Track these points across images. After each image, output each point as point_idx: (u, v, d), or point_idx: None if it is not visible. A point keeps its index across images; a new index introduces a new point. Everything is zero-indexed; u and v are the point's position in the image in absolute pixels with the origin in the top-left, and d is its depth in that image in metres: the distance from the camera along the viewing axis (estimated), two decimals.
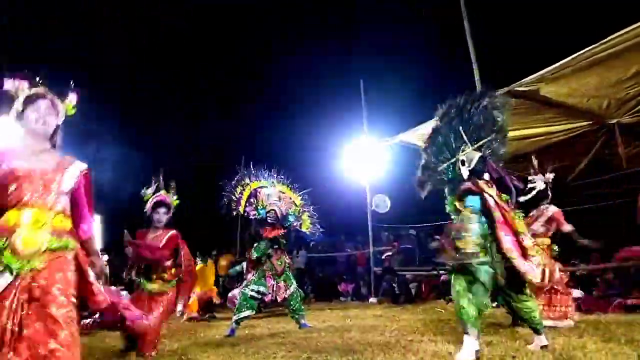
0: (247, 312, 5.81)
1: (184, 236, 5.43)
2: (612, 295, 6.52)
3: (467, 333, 3.39)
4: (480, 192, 3.63)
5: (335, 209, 11.74)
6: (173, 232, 4.61)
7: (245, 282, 6.02)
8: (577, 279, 8.07)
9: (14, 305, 2.06)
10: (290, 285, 6.12)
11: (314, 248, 13.93)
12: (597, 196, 8.35)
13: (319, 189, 6.92)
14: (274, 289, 6.00)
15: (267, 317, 7.94)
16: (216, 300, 9.23)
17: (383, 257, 11.60)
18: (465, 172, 3.83)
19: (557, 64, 6.13)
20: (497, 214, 3.55)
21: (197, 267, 8.60)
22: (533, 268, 3.43)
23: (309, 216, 6.76)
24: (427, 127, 8.79)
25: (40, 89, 2.42)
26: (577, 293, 7.44)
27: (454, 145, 4.04)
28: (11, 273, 2.10)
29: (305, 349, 4.21)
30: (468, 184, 3.73)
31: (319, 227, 6.78)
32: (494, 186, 3.73)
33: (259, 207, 6.33)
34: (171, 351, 4.51)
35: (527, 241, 3.54)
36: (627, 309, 6.23)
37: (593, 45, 5.69)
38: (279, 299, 6.10)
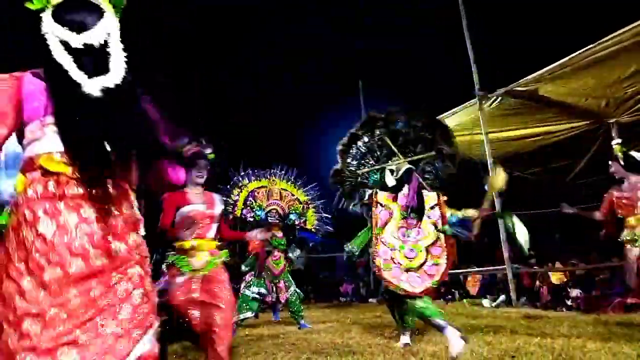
0: (247, 314, 5.81)
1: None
2: (612, 295, 6.51)
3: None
4: (370, 205, 4.12)
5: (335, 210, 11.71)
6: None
7: (244, 284, 6.01)
8: (577, 278, 8.08)
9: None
10: (290, 286, 6.12)
11: (314, 249, 13.89)
12: (596, 196, 8.37)
13: (319, 190, 6.85)
14: (274, 289, 6.00)
15: (267, 319, 7.93)
16: None
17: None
18: (390, 180, 4.14)
19: (556, 64, 6.15)
20: (377, 230, 4.00)
21: None
22: (400, 278, 3.81)
23: (315, 212, 6.68)
24: None
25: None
26: (575, 292, 7.47)
27: (378, 153, 4.53)
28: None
29: (305, 349, 4.21)
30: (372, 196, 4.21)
31: (326, 223, 6.69)
32: (397, 200, 4.06)
33: (256, 209, 6.30)
34: (171, 352, 4.51)
35: (398, 256, 3.89)
36: (626, 308, 6.23)
37: (591, 45, 5.70)
38: (281, 299, 6.10)
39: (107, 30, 1.54)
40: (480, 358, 3.37)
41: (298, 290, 6.36)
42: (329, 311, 8.06)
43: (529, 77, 6.53)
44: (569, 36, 7.57)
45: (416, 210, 3.95)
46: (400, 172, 4.10)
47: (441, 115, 8.36)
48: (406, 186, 4.03)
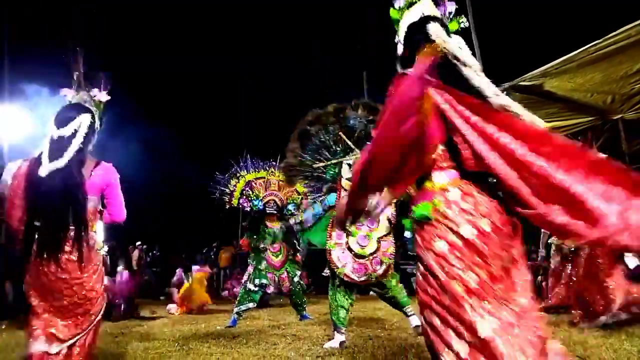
0: (249, 304, 5.83)
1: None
2: None
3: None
4: (337, 190, 4.30)
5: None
6: None
7: (246, 276, 6.02)
8: None
9: None
10: (294, 277, 6.12)
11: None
12: None
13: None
14: (276, 280, 6.01)
15: (268, 308, 7.96)
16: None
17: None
18: (347, 174, 4.28)
19: (562, 59, 6.08)
20: (333, 213, 4.13)
21: (185, 287, 8.46)
22: (344, 263, 4.07)
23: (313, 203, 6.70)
24: None
25: None
26: None
27: (334, 148, 4.66)
28: None
29: (306, 340, 4.23)
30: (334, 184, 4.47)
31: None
32: None
33: (253, 199, 6.30)
34: (173, 341, 4.54)
35: (354, 244, 4.10)
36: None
37: (599, 40, 5.64)
38: (284, 290, 6.12)
39: (77, 125, 2.44)
40: None
41: (302, 282, 6.38)
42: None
43: (535, 71, 6.47)
44: (576, 30, 7.51)
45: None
46: None
47: None
48: None
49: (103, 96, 2.70)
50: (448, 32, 1.79)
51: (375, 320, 5.65)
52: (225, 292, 10.71)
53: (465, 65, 1.66)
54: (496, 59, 8.96)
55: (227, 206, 6.38)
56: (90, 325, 2.40)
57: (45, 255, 2.32)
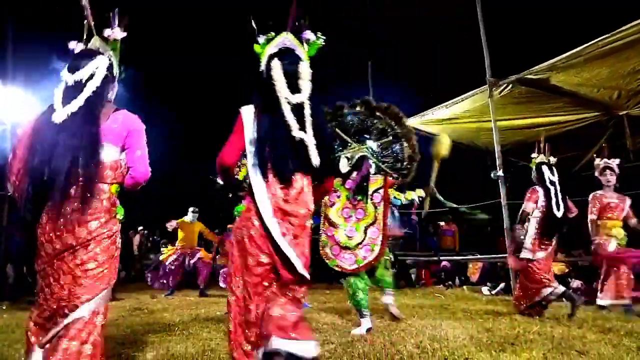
0: None
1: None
2: None
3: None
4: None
5: None
6: None
7: None
8: (579, 269, 8.08)
9: None
10: None
11: (314, 230, 13.95)
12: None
13: None
14: None
15: None
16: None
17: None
18: (344, 167, 4.46)
19: (569, 53, 6.03)
20: (328, 210, 4.34)
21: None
22: (336, 256, 4.24)
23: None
24: (434, 113, 8.78)
25: None
26: (577, 283, 7.47)
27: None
28: None
29: None
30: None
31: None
32: (345, 184, 4.42)
33: None
34: (173, 325, 4.56)
35: (341, 236, 4.25)
36: None
37: (607, 35, 5.59)
38: None
39: (95, 67, 2.21)
40: (479, 344, 3.38)
41: None
42: (329, 292, 8.11)
43: (542, 65, 6.42)
44: (584, 25, 7.43)
45: (360, 192, 4.35)
46: (355, 159, 4.48)
47: (449, 101, 8.29)
48: (354, 172, 4.42)
49: (118, 33, 2.39)
50: (297, 61, 2.24)
51: (374, 309, 5.67)
52: (221, 281, 10.74)
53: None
54: (503, 52, 8.89)
55: (230, 194, 6.38)
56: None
57: (51, 212, 2.09)
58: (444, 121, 8.99)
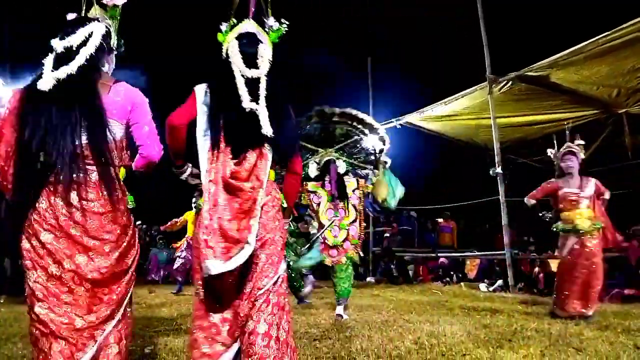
0: None
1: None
2: (610, 286, 6.54)
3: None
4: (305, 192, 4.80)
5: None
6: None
7: None
8: None
9: None
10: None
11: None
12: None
13: None
14: None
15: None
16: None
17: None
18: (314, 172, 4.87)
19: (570, 50, 6.03)
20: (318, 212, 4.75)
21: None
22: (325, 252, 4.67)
23: None
24: (434, 110, 8.77)
25: None
26: None
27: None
28: None
29: (302, 324, 4.24)
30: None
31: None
32: (324, 186, 4.80)
33: None
34: (171, 320, 4.56)
35: (329, 236, 4.67)
36: (624, 299, 6.27)
37: (607, 32, 5.59)
38: None
39: (88, 32, 1.91)
40: (477, 340, 3.39)
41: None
42: (328, 288, 8.10)
43: (542, 62, 6.42)
44: (584, 22, 7.42)
45: (339, 196, 4.73)
46: (322, 163, 4.84)
47: (449, 98, 8.28)
48: (326, 176, 4.78)
49: None
50: (257, 43, 2.15)
51: (372, 305, 5.68)
52: None
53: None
54: (504, 49, 8.87)
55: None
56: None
57: (54, 198, 1.80)
58: (443, 118, 8.99)
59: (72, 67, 1.82)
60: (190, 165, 2.22)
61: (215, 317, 2.01)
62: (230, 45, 2.11)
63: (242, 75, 2.06)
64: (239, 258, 1.91)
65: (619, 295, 6.41)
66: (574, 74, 6.63)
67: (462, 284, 8.89)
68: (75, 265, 1.79)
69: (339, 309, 4.66)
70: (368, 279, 10.93)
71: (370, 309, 5.32)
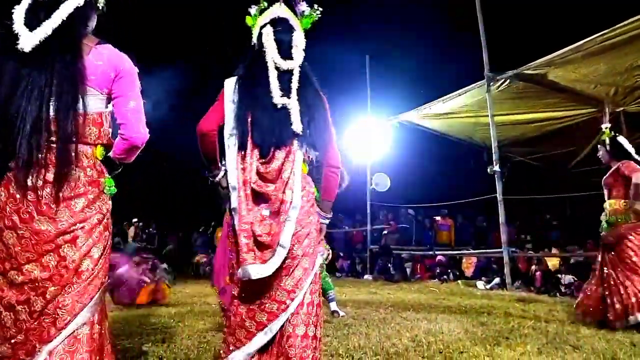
0: None
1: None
2: None
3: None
4: None
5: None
6: None
7: None
8: (571, 265, 8.12)
9: None
10: None
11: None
12: (598, 184, 8.41)
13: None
14: None
15: None
16: None
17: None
18: None
19: (568, 48, 6.04)
20: None
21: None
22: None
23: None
24: (432, 108, 8.78)
25: None
26: (568, 279, 7.52)
27: None
28: None
29: None
30: None
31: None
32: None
33: None
34: (169, 317, 4.56)
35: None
36: None
37: (605, 31, 5.59)
38: None
39: None
40: (474, 338, 3.40)
41: None
42: None
43: (540, 60, 6.43)
44: (582, 21, 7.43)
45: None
46: None
47: (447, 96, 8.28)
48: None
49: None
50: (291, 30, 2.04)
51: (369, 303, 5.69)
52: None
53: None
54: (502, 47, 8.87)
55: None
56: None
57: (13, 185, 1.51)
58: (441, 116, 8.99)
59: (55, 21, 1.53)
60: (224, 168, 2.09)
61: (250, 305, 1.92)
62: (265, 32, 2.00)
63: (276, 68, 1.96)
64: (275, 260, 1.86)
65: None
66: (571, 72, 6.64)
67: (459, 281, 8.91)
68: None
69: (333, 305, 4.66)
70: (365, 276, 10.94)
71: (368, 307, 5.33)
